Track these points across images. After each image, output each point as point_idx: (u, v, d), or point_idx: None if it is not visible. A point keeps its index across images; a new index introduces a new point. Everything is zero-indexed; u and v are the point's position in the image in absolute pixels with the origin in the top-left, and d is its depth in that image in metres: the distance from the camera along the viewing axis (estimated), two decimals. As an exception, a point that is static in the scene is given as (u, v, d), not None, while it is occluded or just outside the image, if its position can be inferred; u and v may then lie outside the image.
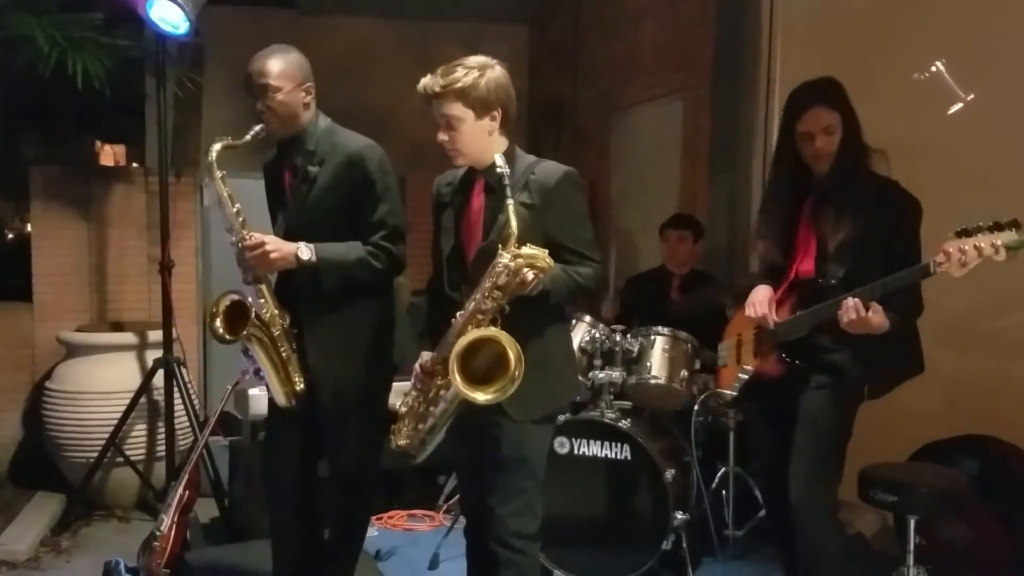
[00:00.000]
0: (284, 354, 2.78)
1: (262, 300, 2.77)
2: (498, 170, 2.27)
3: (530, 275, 2.22)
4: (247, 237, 2.71)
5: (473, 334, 2.25)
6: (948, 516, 3.19)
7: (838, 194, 2.65)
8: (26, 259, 4.95)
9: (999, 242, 2.22)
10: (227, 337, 2.72)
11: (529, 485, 2.43)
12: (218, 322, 2.73)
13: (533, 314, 2.35)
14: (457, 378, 2.22)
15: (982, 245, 2.24)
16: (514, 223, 2.23)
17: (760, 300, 2.79)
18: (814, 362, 2.69)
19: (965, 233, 2.28)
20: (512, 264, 2.21)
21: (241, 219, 2.74)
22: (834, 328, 2.57)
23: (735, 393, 2.91)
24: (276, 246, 2.70)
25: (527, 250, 2.22)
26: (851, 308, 2.46)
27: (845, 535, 2.73)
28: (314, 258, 2.69)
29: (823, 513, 2.69)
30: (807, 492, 2.65)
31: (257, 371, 2.82)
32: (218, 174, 2.74)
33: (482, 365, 2.26)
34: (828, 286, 2.61)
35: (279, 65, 2.72)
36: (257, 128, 2.74)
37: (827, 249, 2.65)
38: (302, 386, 2.81)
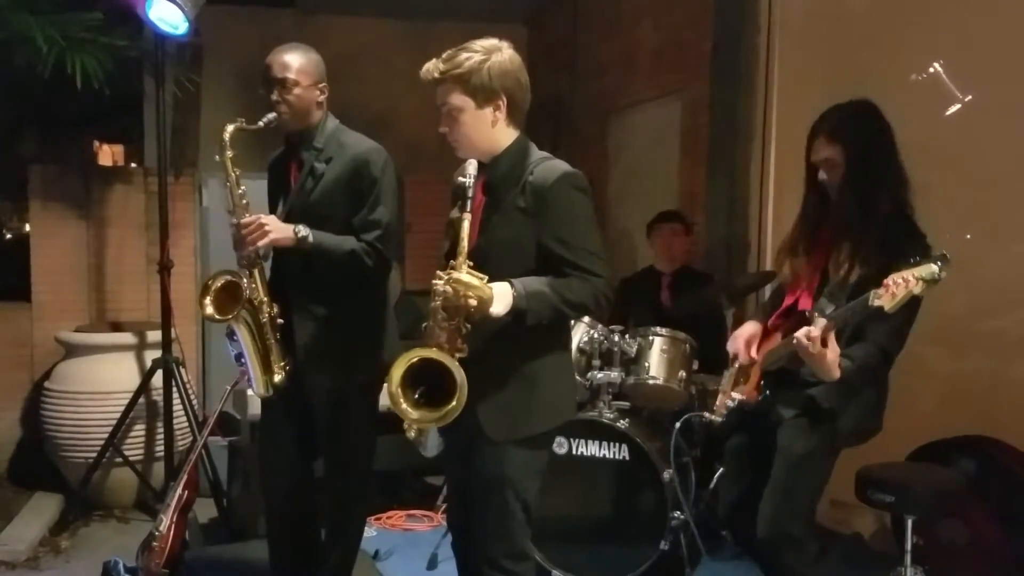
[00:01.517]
0: (268, 342, 2.79)
1: (253, 286, 2.78)
2: (458, 180, 2.19)
3: (472, 302, 2.06)
4: (245, 217, 2.73)
5: (410, 356, 2.13)
6: (945, 516, 3.20)
7: (845, 233, 2.56)
8: (25, 259, 4.95)
9: (918, 274, 2.20)
10: (215, 316, 2.74)
11: (515, 506, 2.28)
12: (208, 299, 2.75)
13: (519, 334, 2.17)
14: (397, 393, 2.13)
15: (909, 277, 2.22)
16: (465, 241, 2.11)
17: (739, 334, 2.81)
18: (793, 396, 2.61)
19: (907, 265, 2.26)
20: (448, 288, 2.07)
21: (245, 201, 2.77)
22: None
23: (720, 419, 2.87)
24: (271, 219, 2.73)
25: (463, 276, 2.07)
26: (812, 329, 2.36)
27: (817, 562, 2.69)
28: (311, 239, 2.71)
29: (790, 546, 2.60)
30: (773, 524, 2.58)
31: (239, 356, 2.83)
32: (228, 153, 2.77)
33: (443, 383, 2.11)
34: (812, 321, 2.49)
35: (300, 60, 2.79)
36: (271, 116, 2.79)
37: (826, 284, 2.58)
38: (281, 376, 2.81)
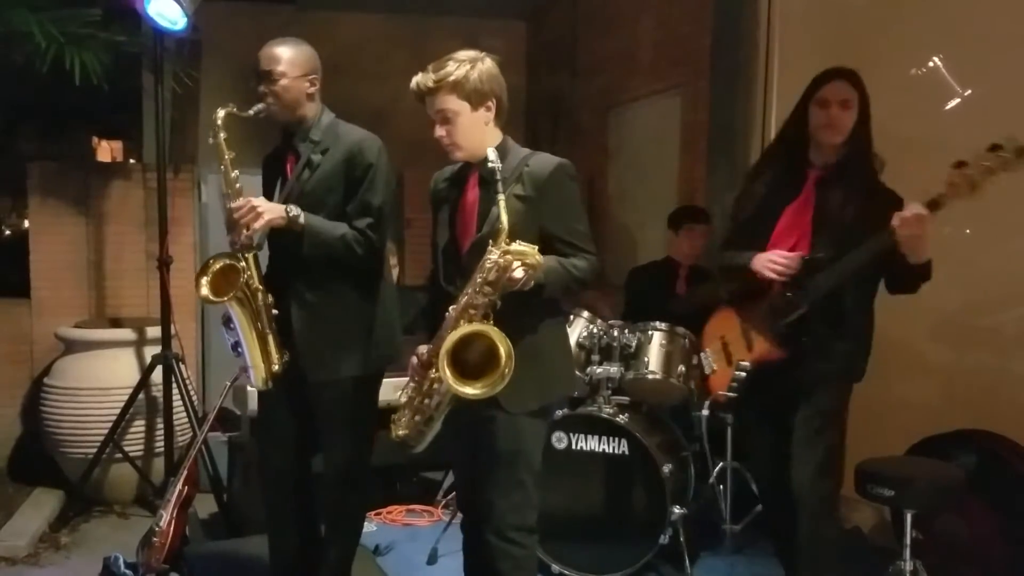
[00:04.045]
0: (264, 330, 2.79)
1: (249, 272, 2.78)
2: (490, 164, 2.30)
3: (519, 272, 2.23)
4: (238, 200, 2.74)
5: (462, 329, 2.27)
6: (944, 510, 3.20)
7: (847, 180, 2.71)
8: (24, 255, 4.95)
9: (1006, 154, 2.34)
10: (211, 297, 2.74)
11: (526, 478, 2.44)
12: (204, 280, 2.75)
13: (527, 307, 2.36)
14: (447, 373, 2.24)
15: (988, 163, 2.35)
16: (504, 218, 2.24)
17: (774, 255, 2.73)
18: (821, 350, 2.71)
19: (962, 164, 2.39)
20: (501, 260, 2.23)
21: (238, 185, 2.77)
22: (835, 318, 2.65)
23: (733, 394, 2.89)
24: (262, 201, 2.75)
25: (516, 246, 2.23)
26: (915, 206, 2.47)
27: (842, 530, 2.76)
28: (302, 219, 2.72)
29: (829, 505, 2.75)
30: (818, 484, 2.71)
31: (236, 345, 2.82)
32: (222, 135, 2.78)
33: (475, 358, 2.27)
34: (816, 261, 2.66)
35: (288, 53, 2.82)
36: (260, 106, 2.81)
37: (823, 230, 2.70)
38: (278, 368, 2.80)
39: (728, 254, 2.92)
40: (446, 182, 2.59)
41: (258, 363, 2.80)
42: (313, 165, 2.83)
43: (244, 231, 2.72)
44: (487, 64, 2.41)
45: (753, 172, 2.97)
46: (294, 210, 2.73)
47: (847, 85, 2.71)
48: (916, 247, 2.53)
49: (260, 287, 2.79)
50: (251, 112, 2.80)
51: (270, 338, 2.80)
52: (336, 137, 2.85)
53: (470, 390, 2.25)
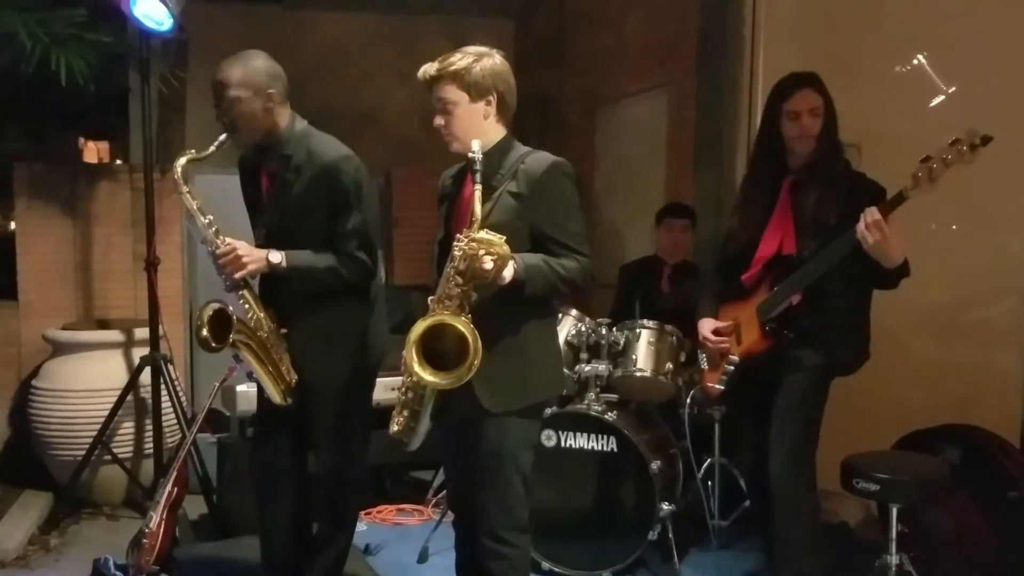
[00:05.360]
0: (276, 356, 2.79)
1: (247, 306, 2.77)
2: (470, 155, 2.29)
3: (488, 261, 2.19)
4: (220, 244, 2.72)
5: (431, 319, 2.25)
6: (930, 504, 3.23)
7: (820, 179, 2.76)
8: (11, 257, 4.92)
9: (963, 147, 2.39)
10: (214, 345, 2.73)
11: (515, 479, 2.43)
12: (205, 332, 2.72)
13: (511, 305, 2.33)
14: (412, 359, 2.23)
15: (947, 156, 2.40)
16: (478, 208, 2.23)
17: (703, 328, 3.00)
18: (805, 339, 2.77)
19: (928, 158, 2.44)
20: (467, 248, 2.20)
21: (213, 229, 2.75)
22: (818, 308, 2.70)
23: (722, 387, 2.97)
24: (247, 250, 2.73)
25: (482, 235, 2.20)
26: (871, 212, 2.49)
27: (820, 517, 2.81)
28: (284, 263, 2.72)
29: (805, 489, 2.79)
30: (792, 469, 2.76)
31: (250, 374, 2.85)
32: (184, 189, 2.75)
33: (451, 351, 2.25)
34: (802, 259, 2.72)
35: (238, 74, 2.72)
36: (222, 138, 2.75)
37: (805, 229, 2.75)
38: (295, 376, 2.82)
39: (704, 300, 3.09)
40: (451, 179, 2.60)
41: (273, 388, 2.81)
42: (287, 185, 2.78)
43: (231, 277, 2.73)
44: (494, 60, 2.42)
45: (744, 194, 3.02)
46: (275, 256, 2.72)
47: (813, 92, 2.77)
48: (883, 253, 2.53)
49: (261, 315, 2.78)
50: (213, 148, 2.74)
51: (284, 357, 2.80)
52: (309, 154, 2.77)
53: (435, 379, 2.23)
